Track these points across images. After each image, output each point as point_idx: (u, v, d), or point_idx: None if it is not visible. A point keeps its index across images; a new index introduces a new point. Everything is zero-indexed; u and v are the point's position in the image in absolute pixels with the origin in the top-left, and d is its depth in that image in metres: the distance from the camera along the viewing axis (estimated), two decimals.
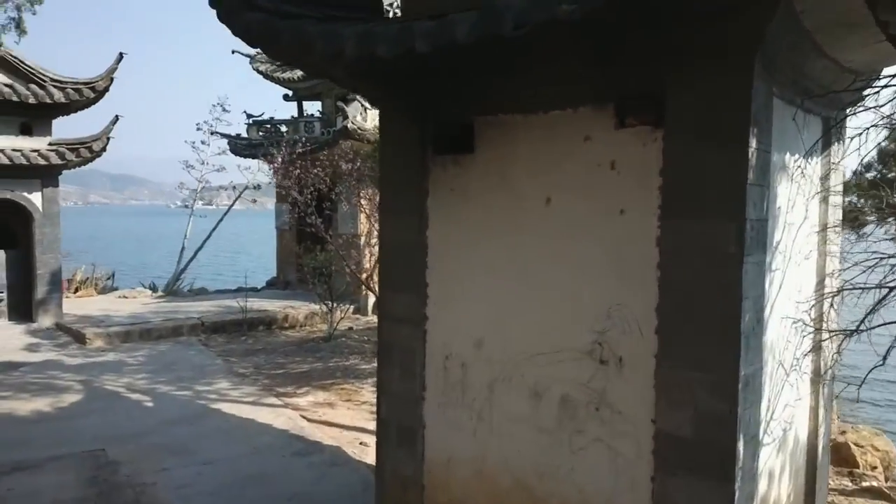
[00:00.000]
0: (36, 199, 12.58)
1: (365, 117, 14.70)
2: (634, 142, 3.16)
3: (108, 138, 12.94)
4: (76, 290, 18.35)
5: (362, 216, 14.96)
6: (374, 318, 14.75)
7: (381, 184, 4.46)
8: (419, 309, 4.03)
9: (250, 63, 18.98)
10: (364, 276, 13.35)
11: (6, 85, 11.86)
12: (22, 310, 12.79)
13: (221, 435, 7.05)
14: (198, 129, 20.79)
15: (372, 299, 14.74)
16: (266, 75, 18.61)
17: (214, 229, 19.94)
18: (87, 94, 12.48)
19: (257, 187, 21.26)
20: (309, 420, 7.52)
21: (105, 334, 11.88)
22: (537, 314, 3.44)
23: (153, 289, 18.08)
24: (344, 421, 7.52)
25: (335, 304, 12.78)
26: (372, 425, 5.57)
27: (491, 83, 3.57)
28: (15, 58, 12.02)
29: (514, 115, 3.56)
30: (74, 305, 14.92)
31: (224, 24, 3.77)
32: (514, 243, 3.57)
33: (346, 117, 13.92)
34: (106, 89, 12.71)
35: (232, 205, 21.49)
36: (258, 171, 20.94)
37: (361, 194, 13.67)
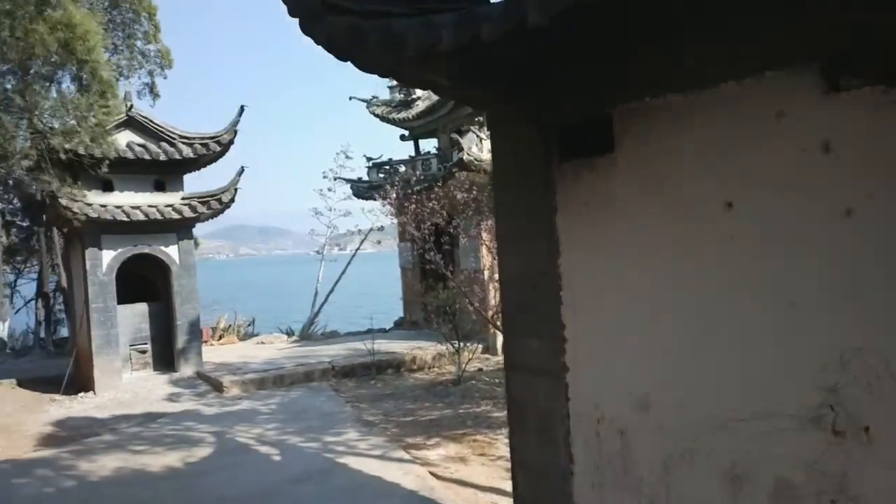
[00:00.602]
0: (173, 251, 13.13)
1: (481, 148, 14.14)
2: (858, 111, 2.17)
3: (236, 189, 13.33)
4: (220, 338, 19.18)
5: (483, 249, 14.32)
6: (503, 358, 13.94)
7: (496, 206, 3.70)
8: (556, 357, 3.18)
9: (367, 107, 19.27)
10: (490, 313, 12.62)
11: (139, 145, 12.55)
12: (165, 360, 13.29)
13: (348, 496, 6.49)
14: (324, 176, 21.41)
15: (500, 338, 13.95)
16: (382, 118, 18.77)
17: (343, 273, 20.21)
18: (213, 148, 12.94)
19: (381, 229, 21.41)
20: (439, 478, 6.78)
21: (241, 382, 11.99)
22: (728, 364, 2.47)
23: (289, 333, 18.47)
24: (478, 480, 6.70)
25: (462, 344, 12.12)
26: (510, 485, 4.73)
27: (633, 58, 2.71)
28: (145, 118, 12.73)
29: (669, 97, 2.67)
30: (216, 353, 15.43)
31: (306, 34, 3.24)
32: (683, 266, 2.64)
33: (461, 149, 13.43)
34: (231, 142, 13.13)
35: (358, 248, 21.75)
36: (381, 212, 21.19)
37: (481, 226, 13.09)
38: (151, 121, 12.87)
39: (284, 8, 3.33)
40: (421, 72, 3.34)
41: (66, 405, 11.30)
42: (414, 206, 10.50)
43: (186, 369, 13.16)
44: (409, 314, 18.18)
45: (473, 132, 13.84)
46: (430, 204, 10.62)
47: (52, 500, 6.76)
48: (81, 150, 9.94)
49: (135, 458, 7.91)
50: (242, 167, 13.42)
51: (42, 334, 18.68)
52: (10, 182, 12.62)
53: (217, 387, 11.97)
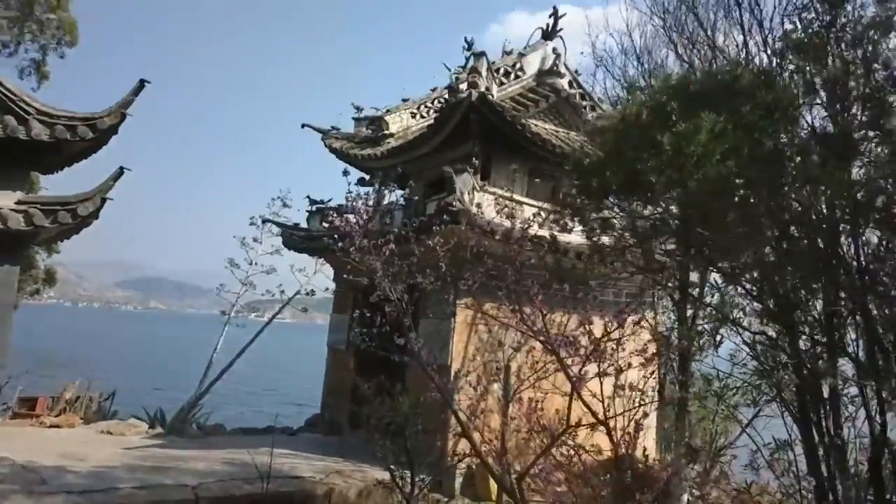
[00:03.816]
0: None
1: (472, 198, 10.28)
2: None
3: (104, 199, 8.73)
4: (60, 414, 13.80)
5: (455, 336, 10.22)
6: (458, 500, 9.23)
7: None
8: None
9: (322, 140, 15.26)
10: (454, 437, 8.43)
11: None
12: None
13: None
14: (251, 223, 16.82)
15: (461, 472, 9.54)
16: (340, 153, 14.76)
17: (250, 343, 15.33)
18: (83, 134, 8.49)
19: (310, 293, 16.85)
20: None
21: None
22: None
23: (154, 421, 13.22)
24: None
25: (417, 482, 7.63)
26: None
27: None
28: None
29: None
30: (33, 441, 10.27)
31: None
32: None
33: (451, 191, 9.50)
34: (113, 128, 8.72)
35: (276, 313, 17.01)
36: (314, 272, 16.71)
37: (458, 304, 9.18)
38: None
39: None
40: None
41: None
42: (390, 249, 6.28)
43: None
44: (328, 412, 13.48)
45: (468, 175, 9.99)
46: (419, 251, 6.47)
47: None
48: None
49: None
50: (121, 168, 8.88)
51: None
52: None
53: None
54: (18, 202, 8.54)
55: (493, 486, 9.51)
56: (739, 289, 5.99)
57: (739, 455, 7.46)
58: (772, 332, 6.12)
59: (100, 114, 8.76)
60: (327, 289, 16.34)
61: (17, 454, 9.07)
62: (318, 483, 8.82)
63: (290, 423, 14.39)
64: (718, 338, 6.61)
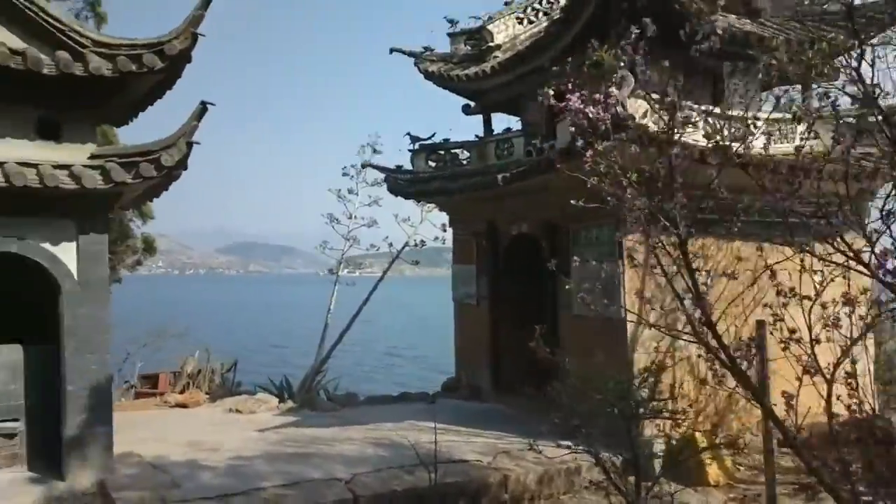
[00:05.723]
0: (66, 253, 7.02)
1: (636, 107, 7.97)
2: None
3: (190, 144, 7.14)
4: (182, 391, 13.04)
5: (629, 282, 8.16)
6: (674, 490, 6.83)
7: None
8: None
9: (416, 64, 13.14)
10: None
11: (14, 51, 6.51)
12: (50, 451, 7.13)
13: None
14: (344, 174, 15.23)
15: (659, 444, 7.58)
16: (438, 77, 12.62)
17: (365, 303, 13.96)
18: (149, 63, 6.86)
19: (420, 244, 15.17)
20: None
21: None
22: None
23: (282, 393, 12.06)
24: None
25: (641, 486, 5.70)
26: None
27: None
28: (29, 3, 6.67)
29: None
30: (157, 426, 9.33)
31: None
32: None
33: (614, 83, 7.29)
34: (184, 54, 7.03)
35: (389, 266, 15.56)
36: (421, 221, 14.91)
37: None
38: (41, 9, 6.84)
39: None
40: None
41: None
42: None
43: (81, 476, 6.91)
44: (467, 375, 11.88)
45: (628, 73, 7.68)
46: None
47: None
48: None
49: None
50: (204, 103, 7.20)
51: None
52: None
53: None
54: (92, 156, 7.11)
55: (713, 470, 7.57)
56: None
57: None
58: None
59: (166, 37, 7.06)
60: (436, 238, 14.70)
61: (144, 446, 8.02)
62: (489, 469, 7.17)
63: (423, 387, 13.03)
64: None
